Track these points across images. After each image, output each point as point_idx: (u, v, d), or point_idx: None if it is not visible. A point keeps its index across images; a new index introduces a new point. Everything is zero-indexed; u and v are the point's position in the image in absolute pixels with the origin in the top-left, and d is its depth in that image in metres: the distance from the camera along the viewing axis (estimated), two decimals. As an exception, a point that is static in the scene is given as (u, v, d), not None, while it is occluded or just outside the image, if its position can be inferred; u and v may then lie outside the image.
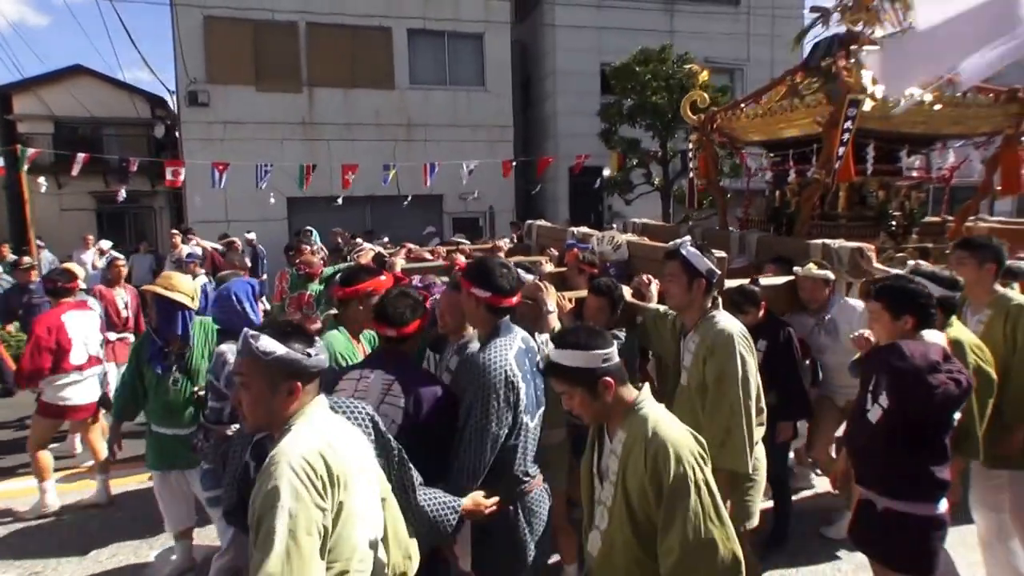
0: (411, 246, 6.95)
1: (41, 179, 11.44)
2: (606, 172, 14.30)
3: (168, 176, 10.88)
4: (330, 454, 1.56)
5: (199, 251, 9.68)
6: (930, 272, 3.19)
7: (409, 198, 12.98)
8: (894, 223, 5.71)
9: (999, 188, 5.83)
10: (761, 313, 3.68)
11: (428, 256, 6.35)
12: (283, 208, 14.30)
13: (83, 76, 19.29)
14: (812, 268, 3.96)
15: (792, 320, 3.96)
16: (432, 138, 15.07)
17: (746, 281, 3.89)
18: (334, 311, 3.30)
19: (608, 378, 1.87)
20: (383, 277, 3.09)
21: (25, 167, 10.51)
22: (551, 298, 3.12)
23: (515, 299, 2.50)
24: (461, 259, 5.39)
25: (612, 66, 13.40)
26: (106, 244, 10.40)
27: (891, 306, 2.57)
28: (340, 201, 11.83)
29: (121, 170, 15.94)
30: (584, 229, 6.50)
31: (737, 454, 2.65)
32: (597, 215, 16.08)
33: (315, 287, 5.76)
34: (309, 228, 11.29)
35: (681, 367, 2.97)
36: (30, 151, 10.47)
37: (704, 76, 7.26)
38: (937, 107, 5.19)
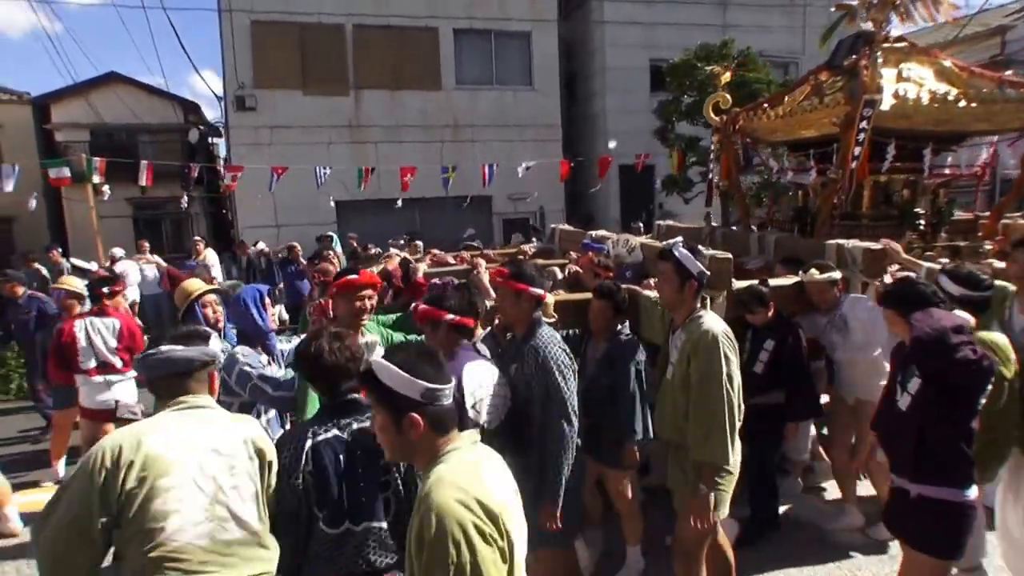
0: (435, 251, 7.14)
1: (106, 188, 11.68)
2: (666, 171, 14.37)
3: (227, 181, 11.10)
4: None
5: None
6: (951, 270, 3.26)
7: (468, 199, 13.22)
8: (921, 222, 5.83)
9: None
10: (770, 313, 3.86)
11: (451, 260, 6.54)
12: (332, 212, 14.53)
13: (118, 83, 19.72)
14: (814, 273, 4.07)
15: (805, 320, 4.15)
16: (479, 139, 15.28)
17: (755, 282, 4.08)
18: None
19: (416, 416, 1.67)
20: (354, 275, 3.30)
21: (96, 178, 10.80)
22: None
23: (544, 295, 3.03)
24: (481, 263, 5.58)
25: (669, 62, 13.48)
26: (119, 252, 10.54)
27: (900, 310, 2.76)
28: (400, 203, 12.02)
29: (158, 175, 16.28)
30: (602, 232, 6.68)
31: (717, 448, 2.85)
32: (648, 214, 16.14)
33: None
34: (330, 234, 11.53)
35: (669, 361, 3.18)
36: (97, 160, 10.74)
37: (727, 77, 6.98)
38: (960, 104, 5.29)
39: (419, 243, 9.82)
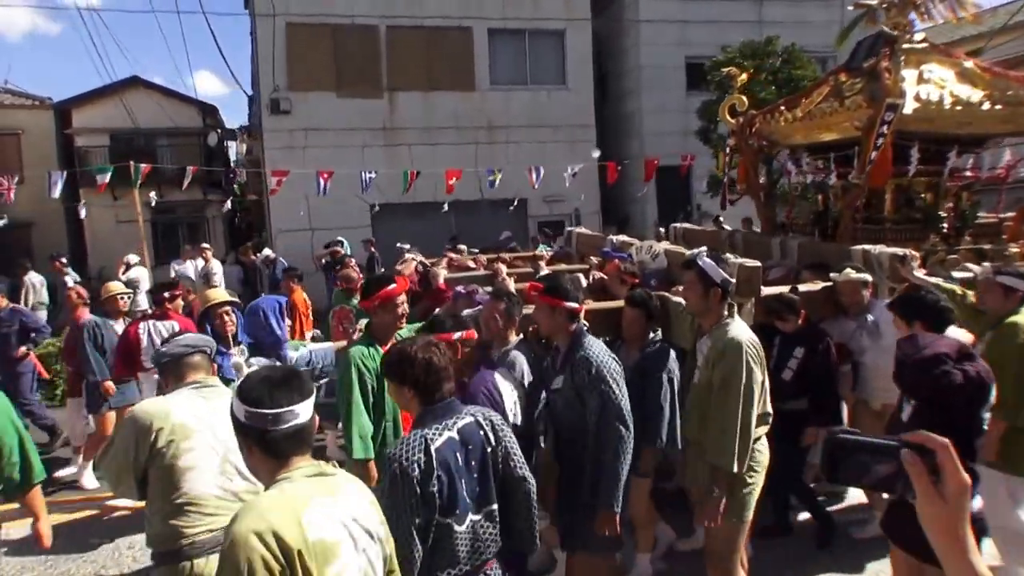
0: (452, 256, 7.28)
1: (152, 193, 11.80)
2: (702, 172, 14.48)
3: (272, 185, 11.22)
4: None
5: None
6: None
7: (515, 202, 13.32)
8: (944, 225, 5.93)
9: None
10: (800, 321, 3.98)
11: (471, 265, 6.69)
12: (367, 215, 14.64)
13: (138, 88, 19.93)
14: (850, 272, 4.25)
15: (833, 325, 4.27)
16: (513, 139, 15.41)
17: (786, 289, 4.23)
18: (367, 321, 3.76)
19: (248, 440, 1.71)
20: (393, 285, 3.42)
21: (139, 183, 10.92)
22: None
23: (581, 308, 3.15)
24: (502, 269, 5.73)
25: (712, 60, 13.60)
26: (134, 258, 10.63)
27: (903, 315, 3.07)
28: (446, 207, 12.11)
29: (175, 180, 16.39)
30: (623, 238, 6.79)
31: (726, 452, 2.99)
32: (686, 215, 16.24)
33: (355, 301, 5.93)
34: (340, 239, 11.64)
35: (696, 366, 3.34)
36: (143, 167, 10.84)
37: (743, 79, 7.06)
38: (984, 107, 5.42)
39: (463, 247, 9.80)
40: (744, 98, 6.95)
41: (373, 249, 12.35)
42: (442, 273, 5.39)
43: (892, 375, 2.97)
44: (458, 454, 2.22)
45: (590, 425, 2.92)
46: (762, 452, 3.20)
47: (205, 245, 11.71)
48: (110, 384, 5.54)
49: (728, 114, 7.01)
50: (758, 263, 4.07)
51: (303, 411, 1.71)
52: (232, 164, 16.98)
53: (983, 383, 2.65)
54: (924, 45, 5.96)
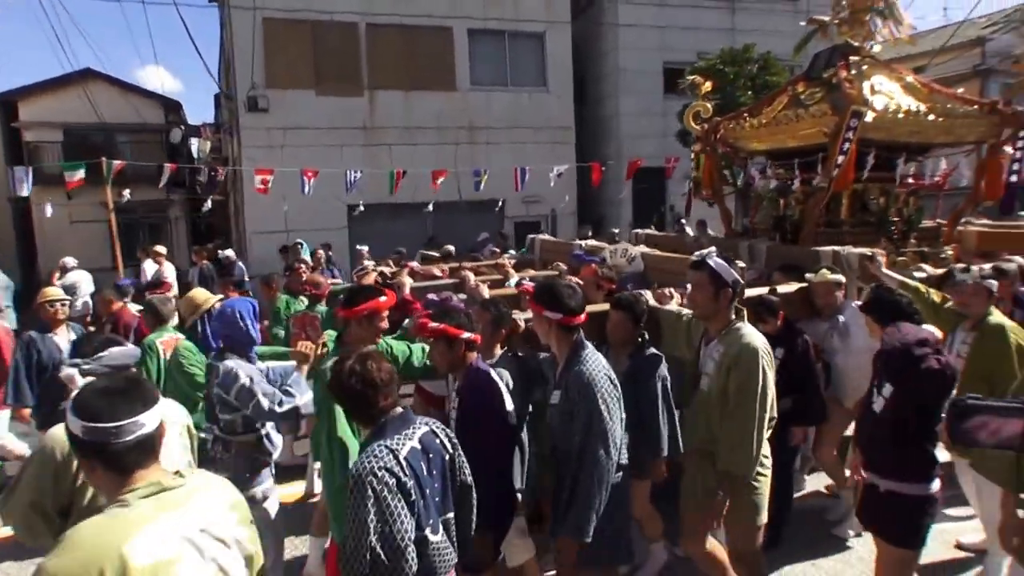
0: (413, 264, 7.09)
1: (127, 192, 11.47)
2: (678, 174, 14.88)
3: (257, 184, 11.06)
4: None
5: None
6: None
7: (501, 203, 13.39)
8: (894, 229, 6.32)
9: (985, 193, 6.49)
10: (779, 322, 4.09)
11: (437, 273, 6.59)
12: (344, 216, 14.55)
13: (94, 81, 19.27)
14: (825, 272, 4.46)
15: (805, 326, 4.41)
16: (493, 140, 15.55)
17: (765, 291, 4.37)
18: (335, 332, 3.65)
19: (88, 458, 1.63)
20: (383, 298, 3.33)
21: (110, 181, 10.60)
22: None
23: (583, 317, 3.06)
24: (471, 276, 5.63)
25: (693, 65, 14.02)
26: (71, 262, 10.02)
27: (877, 318, 3.23)
28: (430, 208, 12.18)
29: (137, 178, 15.95)
30: (592, 242, 7.02)
31: (745, 460, 3.04)
32: (660, 216, 16.67)
33: (321, 308, 5.84)
34: (299, 241, 11.61)
35: (701, 372, 3.30)
36: (116, 163, 10.55)
37: (707, 87, 7.35)
38: (930, 118, 5.90)
39: (451, 247, 9.72)
40: (708, 105, 7.24)
41: (330, 253, 12.12)
42: (408, 282, 5.30)
43: (872, 361, 3.18)
44: (422, 463, 2.22)
45: (574, 444, 2.88)
46: (767, 455, 3.22)
47: (159, 248, 11.26)
48: (26, 411, 4.96)
49: (693, 120, 7.27)
50: (743, 264, 4.30)
51: (149, 420, 1.64)
52: (195, 162, 16.47)
53: (954, 375, 2.89)
54: (872, 59, 6.36)
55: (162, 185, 12.60)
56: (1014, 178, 6.27)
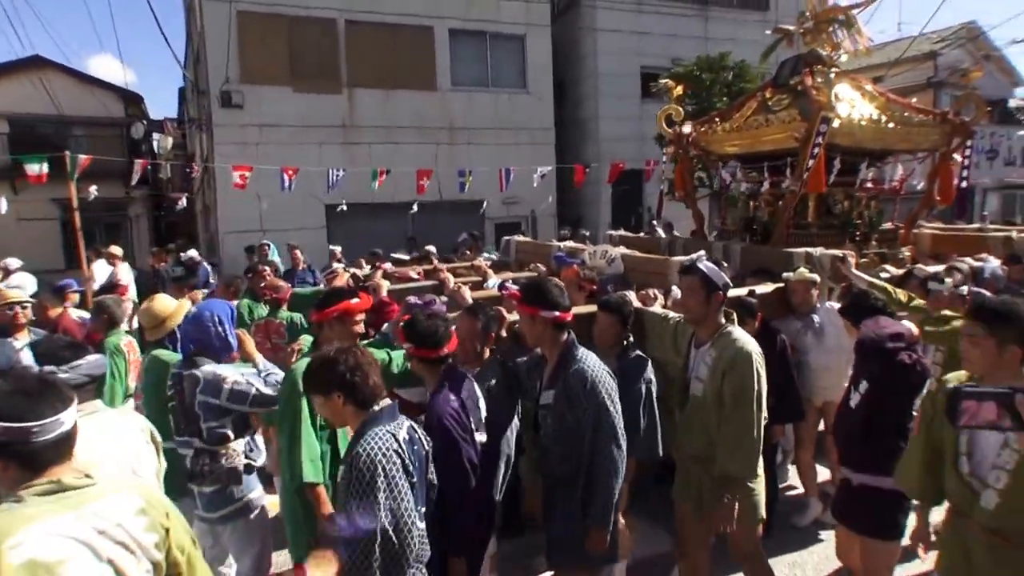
0: (387, 266, 6.93)
1: (93, 188, 10.99)
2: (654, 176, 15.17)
3: (235, 180, 10.79)
4: None
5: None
6: None
7: (484, 204, 13.38)
8: (857, 231, 6.63)
9: (938, 198, 6.91)
10: (757, 324, 4.14)
11: (413, 275, 6.52)
12: (322, 215, 14.35)
13: (45, 69, 18.46)
14: (804, 271, 4.64)
15: (780, 325, 4.51)
16: (474, 141, 15.55)
17: (744, 292, 4.44)
18: (312, 337, 3.57)
19: (3, 458, 1.61)
20: (356, 299, 3.24)
21: (74, 177, 10.15)
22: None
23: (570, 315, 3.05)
24: (450, 278, 5.55)
25: (670, 71, 14.38)
26: (14, 263, 9.52)
27: (854, 320, 3.34)
28: (415, 208, 12.14)
29: (92, 174, 15.38)
30: (570, 243, 7.12)
31: (746, 462, 3.07)
32: (637, 218, 16.97)
33: (285, 314, 5.59)
34: (267, 242, 11.39)
35: (691, 377, 3.30)
36: (82, 157, 10.09)
37: (679, 91, 7.50)
38: (891, 126, 6.24)
39: (431, 248, 9.37)
40: (680, 108, 7.39)
41: (297, 252, 11.69)
42: (384, 284, 5.16)
43: (854, 349, 3.26)
44: (410, 454, 2.27)
45: (584, 442, 2.88)
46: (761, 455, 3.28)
47: (113, 248, 10.83)
48: None
49: (665, 124, 7.42)
50: (724, 265, 4.31)
51: (68, 419, 1.66)
52: (157, 158, 16.00)
53: (924, 371, 3.03)
54: (835, 68, 6.64)
55: (134, 183, 12.12)
56: (964, 184, 6.71)
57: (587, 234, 12.40)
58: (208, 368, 3.16)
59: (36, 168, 10.26)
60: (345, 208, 12.20)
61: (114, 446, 2.27)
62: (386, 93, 14.90)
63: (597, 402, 2.84)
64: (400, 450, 2.21)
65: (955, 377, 2.60)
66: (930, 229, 8.05)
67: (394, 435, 2.22)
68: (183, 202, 12.15)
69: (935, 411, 2.55)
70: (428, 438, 2.50)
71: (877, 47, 22.87)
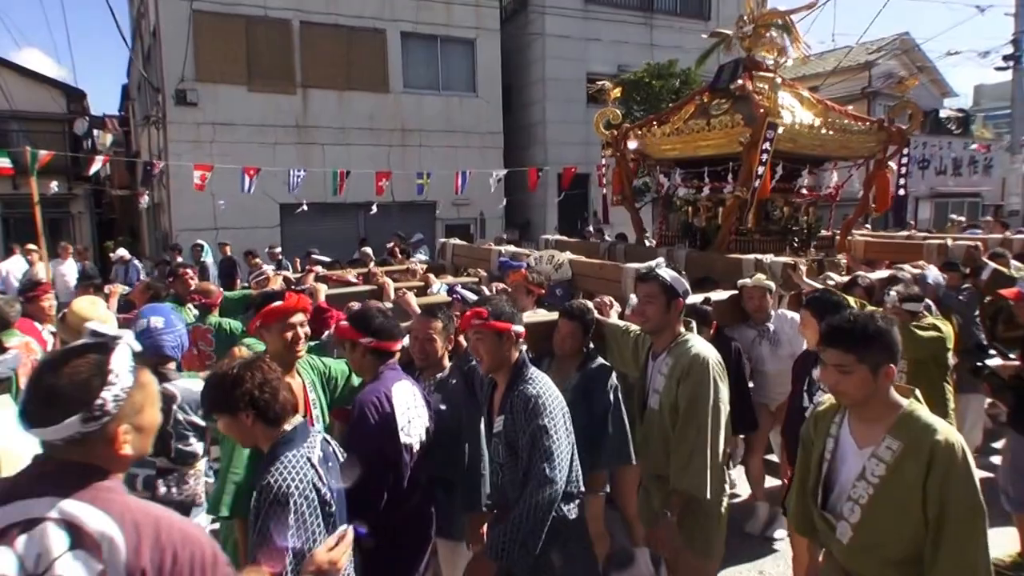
0: (318, 268, 6.77)
1: (54, 184, 11.23)
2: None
3: (196, 180, 11.20)
4: None
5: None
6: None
7: (438, 206, 13.95)
8: (796, 238, 6.67)
9: (873, 205, 6.94)
10: (712, 332, 4.09)
11: (352, 279, 6.38)
12: (276, 215, 14.76)
13: (-16, 63, 18.26)
14: (761, 277, 4.60)
15: (733, 332, 4.50)
16: (426, 143, 16.19)
17: (699, 299, 4.30)
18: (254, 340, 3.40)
19: None
20: (278, 303, 3.01)
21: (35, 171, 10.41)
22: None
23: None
24: (388, 282, 5.40)
25: (620, 77, 15.20)
26: None
27: (816, 313, 3.25)
28: (375, 209, 12.66)
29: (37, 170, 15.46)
30: (512, 248, 7.03)
31: (696, 477, 2.86)
32: (582, 221, 17.77)
33: (214, 319, 5.28)
34: (200, 243, 11.74)
35: (650, 389, 3.19)
36: (42, 153, 10.38)
37: (616, 93, 7.51)
38: (830, 133, 6.28)
39: (368, 250, 9.64)
40: (617, 111, 7.41)
41: (228, 252, 12.13)
42: (322, 289, 4.92)
43: (795, 363, 3.47)
44: (324, 474, 2.15)
45: (520, 465, 2.66)
46: (728, 482, 3.15)
47: (31, 246, 10.83)
48: None
49: (602, 126, 7.35)
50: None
51: None
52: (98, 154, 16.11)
53: None
54: (773, 75, 6.53)
55: (91, 175, 12.28)
56: (901, 192, 6.79)
57: (516, 235, 12.94)
58: (181, 383, 3.05)
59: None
60: (306, 208, 12.62)
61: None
62: (340, 94, 15.38)
63: (536, 422, 2.60)
64: (318, 480, 2.09)
65: (828, 400, 2.48)
66: (862, 236, 8.12)
67: (309, 459, 2.11)
68: (144, 199, 12.41)
69: (815, 435, 2.43)
70: (339, 450, 2.40)
71: (814, 56, 24.30)
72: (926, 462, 2.06)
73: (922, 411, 2.19)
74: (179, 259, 10.60)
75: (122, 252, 12.08)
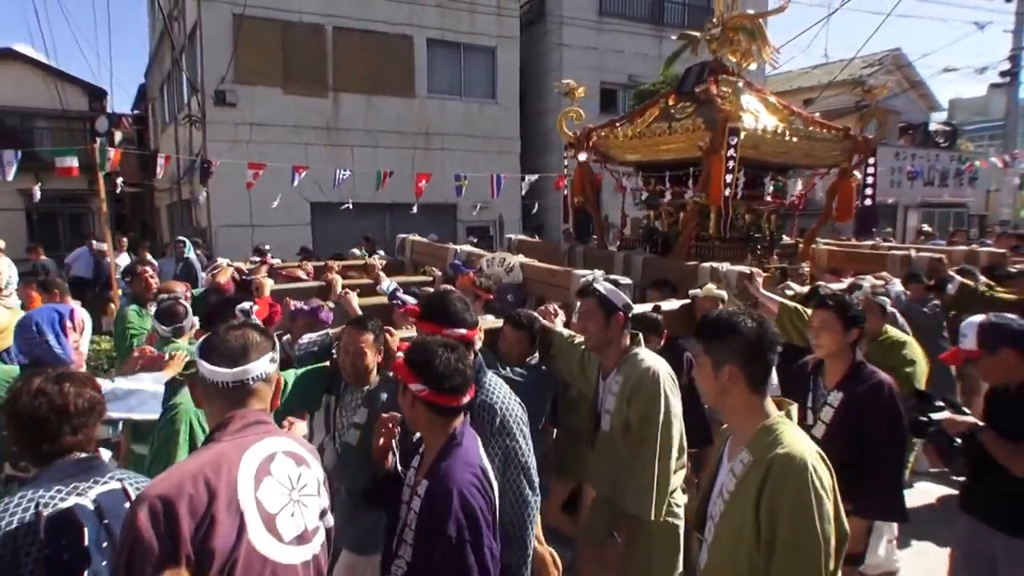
0: (274, 262, 6.62)
1: (120, 180, 12.21)
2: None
3: (248, 178, 12.24)
4: None
5: None
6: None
7: (477, 208, 15.29)
8: (758, 245, 6.66)
9: (836, 214, 6.94)
10: (663, 341, 4.00)
11: (302, 276, 6.33)
12: (307, 213, 15.83)
13: (12, 62, 19.16)
14: (712, 287, 4.59)
15: (685, 343, 4.33)
16: (447, 147, 17.36)
17: (649, 307, 4.29)
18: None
19: None
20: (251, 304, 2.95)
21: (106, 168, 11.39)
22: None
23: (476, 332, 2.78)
24: (337, 279, 5.29)
25: (638, 87, 16.54)
26: None
27: (841, 318, 3.15)
28: (415, 209, 13.66)
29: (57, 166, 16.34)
30: (468, 248, 6.90)
31: (641, 496, 2.79)
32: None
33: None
34: (181, 239, 12.09)
35: (601, 410, 3.13)
36: (111, 151, 11.35)
37: (580, 92, 7.51)
38: (794, 140, 6.26)
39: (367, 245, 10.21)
40: (580, 111, 7.41)
41: (198, 252, 12.31)
42: (268, 283, 4.85)
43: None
44: (89, 529, 1.77)
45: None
46: (679, 503, 3.02)
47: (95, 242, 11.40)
48: None
49: (564, 127, 7.43)
50: (628, 280, 4.31)
51: None
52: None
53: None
54: (739, 79, 6.61)
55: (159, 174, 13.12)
56: (868, 202, 6.94)
57: (474, 239, 13.66)
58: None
59: (64, 161, 11.37)
60: (351, 207, 13.62)
61: None
62: (368, 98, 16.46)
63: (507, 440, 2.57)
64: (24, 533, 1.71)
65: None
66: (826, 245, 8.18)
67: (37, 506, 1.74)
68: (202, 196, 13.36)
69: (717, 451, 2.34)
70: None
71: (805, 71, 25.85)
72: (762, 476, 1.85)
73: (783, 425, 1.96)
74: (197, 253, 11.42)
75: (103, 246, 11.65)
